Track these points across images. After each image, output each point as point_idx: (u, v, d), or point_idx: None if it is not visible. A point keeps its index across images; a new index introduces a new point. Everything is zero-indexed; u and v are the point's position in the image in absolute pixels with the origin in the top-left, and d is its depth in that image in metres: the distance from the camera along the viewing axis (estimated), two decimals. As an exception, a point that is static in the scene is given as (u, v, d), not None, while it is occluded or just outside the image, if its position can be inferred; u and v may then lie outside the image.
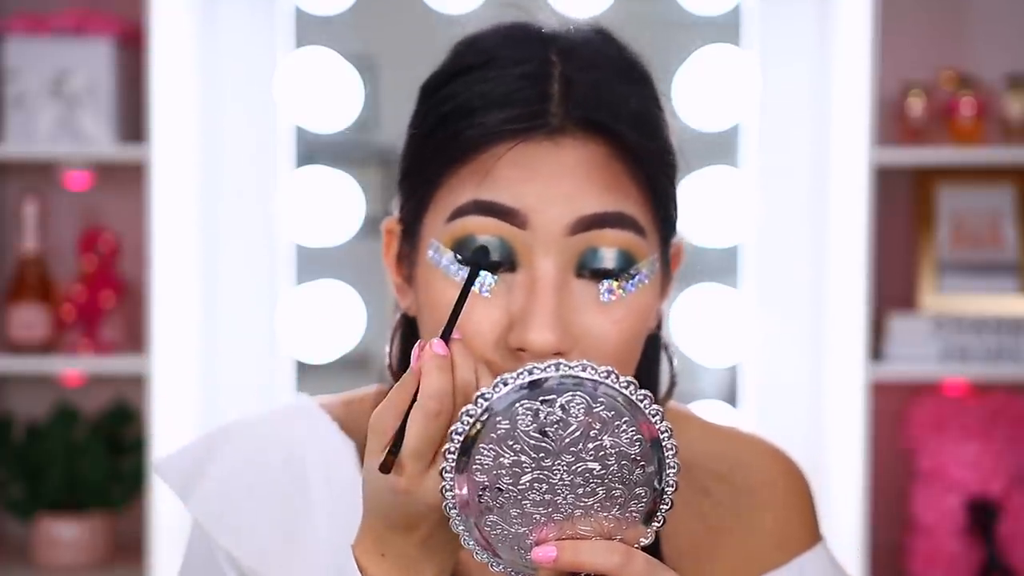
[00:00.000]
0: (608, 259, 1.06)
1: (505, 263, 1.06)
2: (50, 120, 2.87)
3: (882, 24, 2.82)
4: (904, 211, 3.02)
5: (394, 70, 3.18)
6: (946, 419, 2.88)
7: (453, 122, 1.07)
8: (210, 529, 1.17)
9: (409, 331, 1.15)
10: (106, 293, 2.95)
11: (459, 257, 1.06)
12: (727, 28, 3.08)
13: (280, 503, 1.17)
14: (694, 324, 3.08)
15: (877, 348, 2.86)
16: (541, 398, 0.98)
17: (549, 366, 0.98)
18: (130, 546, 2.98)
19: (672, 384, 1.18)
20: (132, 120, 2.94)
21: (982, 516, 2.82)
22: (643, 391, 0.98)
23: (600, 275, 1.07)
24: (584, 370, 0.98)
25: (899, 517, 2.97)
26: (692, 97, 3.07)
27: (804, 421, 2.97)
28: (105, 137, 2.88)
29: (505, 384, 0.98)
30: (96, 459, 2.95)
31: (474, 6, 3.05)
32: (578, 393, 0.98)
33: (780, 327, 3.03)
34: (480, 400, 0.98)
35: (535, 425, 0.98)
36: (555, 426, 0.98)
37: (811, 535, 1.25)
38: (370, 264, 3.18)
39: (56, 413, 2.98)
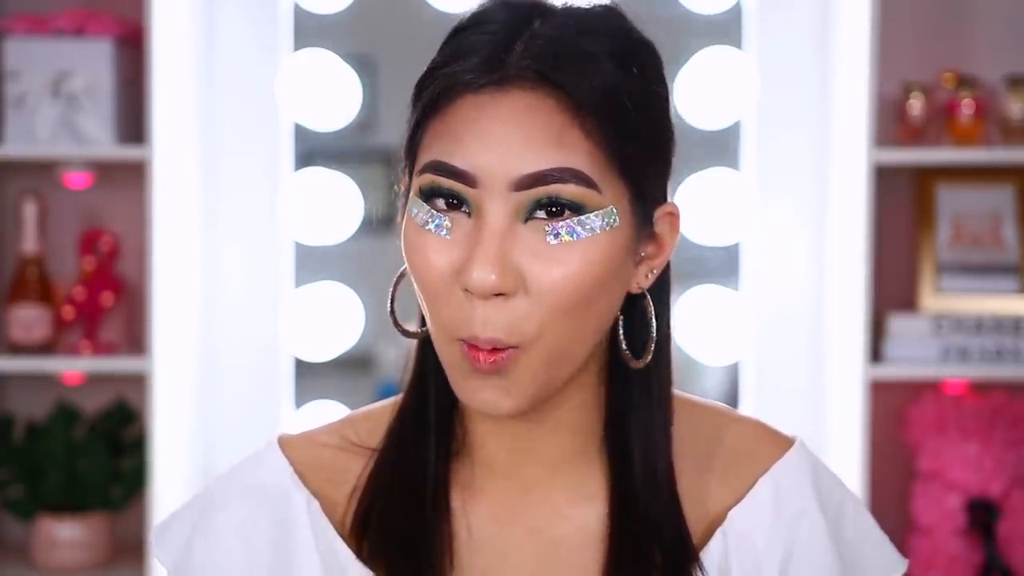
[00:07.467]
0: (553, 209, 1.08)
1: (461, 208, 1.08)
2: (50, 120, 2.87)
3: (882, 25, 2.82)
4: (904, 211, 3.02)
5: (394, 70, 3.18)
6: (946, 419, 2.88)
7: (427, 80, 1.10)
8: None
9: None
10: (106, 293, 2.95)
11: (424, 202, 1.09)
12: (727, 28, 3.08)
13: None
14: (694, 324, 3.08)
15: (877, 348, 2.86)
16: None
17: None
18: (130, 546, 2.98)
19: (653, 340, 1.16)
20: (132, 120, 2.94)
21: (982, 516, 2.82)
22: None
23: (546, 222, 1.07)
24: None
25: (899, 517, 2.97)
26: (692, 97, 3.07)
27: (804, 421, 2.97)
28: (105, 137, 2.88)
29: None
30: (96, 459, 2.95)
31: (474, 6, 3.05)
32: None
33: (780, 327, 3.03)
34: None
35: None
36: None
37: (779, 444, 1.24)
38: (370, 264, 3.19)
39: (56, 413, 2.97)
